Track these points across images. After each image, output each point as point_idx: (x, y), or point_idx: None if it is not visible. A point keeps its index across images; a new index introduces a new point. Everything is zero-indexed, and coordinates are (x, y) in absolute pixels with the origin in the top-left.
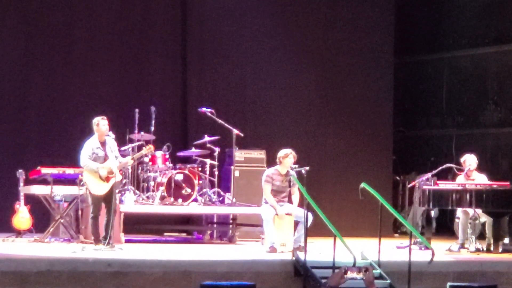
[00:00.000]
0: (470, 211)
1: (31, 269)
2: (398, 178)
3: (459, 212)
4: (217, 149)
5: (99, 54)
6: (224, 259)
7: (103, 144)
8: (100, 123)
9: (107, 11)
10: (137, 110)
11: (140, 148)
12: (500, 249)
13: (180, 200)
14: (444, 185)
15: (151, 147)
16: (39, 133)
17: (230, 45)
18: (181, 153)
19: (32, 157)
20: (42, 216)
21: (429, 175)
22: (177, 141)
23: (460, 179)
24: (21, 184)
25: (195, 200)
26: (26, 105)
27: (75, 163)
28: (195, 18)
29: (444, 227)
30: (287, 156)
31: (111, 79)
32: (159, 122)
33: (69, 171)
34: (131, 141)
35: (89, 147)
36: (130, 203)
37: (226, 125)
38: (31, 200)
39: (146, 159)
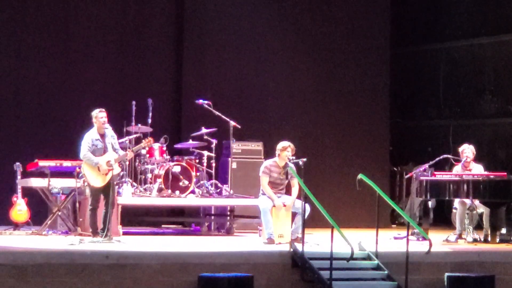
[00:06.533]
0: (468, 201)
1: (28, 262)
2: (395, 169)
3: (457, 202)
4: (214, 141)
5: (96, 46)
6: (221, 251)
7: (102, 136)
8: (98, 116)
9: (104, 3)
10: (134, 103)
11: (137, 140)
12: (498, 239)
13: (177, 192)
14: (441, 175)
15: (150, 140)
16: (36, 125)
17: (227, 37)
18: (178, 145)
19: (29, 150)
20: (40, 209)
21: (426, 165)
22: (174, 133)
23: (457, 169)
24: (19, 176)
25: (193, 192)
26: (23, 97)
27: (72, 156)
28: (192, 11)
29: (441, 217)
30: (285, 149)
31: (108, 72)
32: (156, 114)
33: (67, 163)
34: (128, 133)
35: (89, 138)
36: (128, 195)
37: (223, 117)
38: (29, 193)
39: (144, 152)
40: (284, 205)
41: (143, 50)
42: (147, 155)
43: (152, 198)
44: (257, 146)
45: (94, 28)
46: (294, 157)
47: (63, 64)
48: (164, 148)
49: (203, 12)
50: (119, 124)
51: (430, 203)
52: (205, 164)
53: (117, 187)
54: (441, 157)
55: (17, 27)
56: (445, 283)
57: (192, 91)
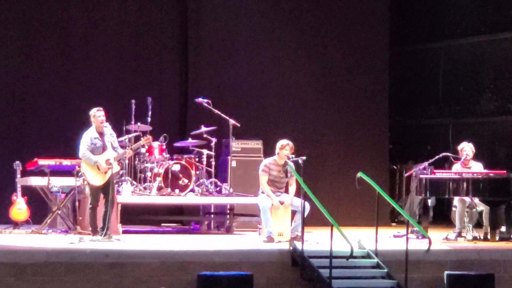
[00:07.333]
0: (467, 199)
1: (28, 261)
2: (395, 167)
3: (456, 200)
4: (214, 140)
5: (95, 45)
6: (221, 249)
7: (101, 134)
8: (96, 115)
9: (105, 1)
10: (133, 101)
11: (137, 139)
12: (497, 238)
13: (177, 190)
14: (440, 174)
15: (149, 138)
16: (36, 124)
17: (228, 36)
18: (178, 144)
19: (29, 149)
20: (40, 208)
21: (425, 164)
22: (174, 132)
23: (457, 167)
24: (18, 175)
25: (192, 190)
26: (22, 96)
27: (72, 154)
28: (194, 10)
29: (441, 216)
30: (283, 148)
31: (108, 70)
32: (155, 113)
33: (66, 162)
34: (128, 132)
35: (88, 137)
36: (128, 194)
37: (223, 115)
38: (28, 192)
39: (143, 150)
40: (282, 203)
41: (142, 49)
42: (147, 154)
43: (152, 197)
44: (257, 144)
45: (94, 27)
46: (293, 156)
47: (63, 62)
48: (164, 147)
49: (206, 12)
50: (118, 122)
51: (429, 201)
52: (204, 162)
53: (116, 185)
54: (441, 155)
55: (17, 27)
56: (445, 281)
57: (192, 90)
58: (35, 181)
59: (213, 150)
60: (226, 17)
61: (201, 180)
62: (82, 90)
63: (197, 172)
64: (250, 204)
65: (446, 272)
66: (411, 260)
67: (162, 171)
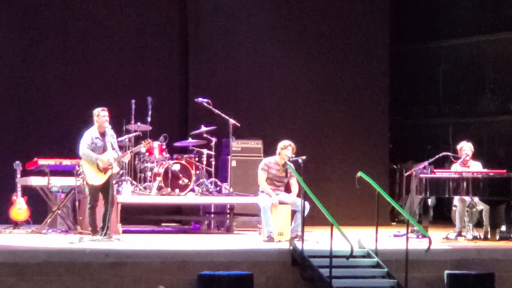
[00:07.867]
0: (467, 199)
1: (28, 261)
2: (395, 166)
3: (456, 200)
4: (214, 139)
5: (96, 45)
6: (221, 249)
7: (102, 135)
8: (100, 114)
9: (105, 1)
10: (133, 101)
11: (136, 138)
12: (497, 237)
13: (177, 190)
14: (441, 173)
15: (150, 141)
16: (36, 124)
17: (228, 36)
18: (178, 144)
19: (29, 148)
20: (40, 208)
21: (426, 163)
22: (174, 132)
23: (456, 167)
24: (18, 175)
25: (192, 190)
26: (23, 96)
27: (72, 154)
28: (194, 10)
29: (441, 215)
30: (285, 148)
31: (108, 70)
32: (155, 112)
33: (66, 162)
34: (128, 131)
35: (89, 136)
36: (128, 193)
37: (223, 115)
38: (28, 192)
39: (143, 150)
40: (281, 203)
41: (143, 48)
42: (147, 154)
43: (152, 197)
44: (257, 144)
45: (94, 27)
46: (293, 155)
47: (63, 62)
48: (164, 147)
49: (206, 11)
50: (118, 122)
51: (429, 201)
52: (204, 162)
53: (116, 185)
54: (441, 154)
55: (17, 27)
56: (445, 281)
57: (192, 90)
58: (35, 181)
59: (213, 149)
60: (226, 17)
61: (201, 180)
62: (82, 90)
63: (197, 172)
64: (250, 204)
65: (446, 272)
66: (411, 260)
67: (162, 170)
